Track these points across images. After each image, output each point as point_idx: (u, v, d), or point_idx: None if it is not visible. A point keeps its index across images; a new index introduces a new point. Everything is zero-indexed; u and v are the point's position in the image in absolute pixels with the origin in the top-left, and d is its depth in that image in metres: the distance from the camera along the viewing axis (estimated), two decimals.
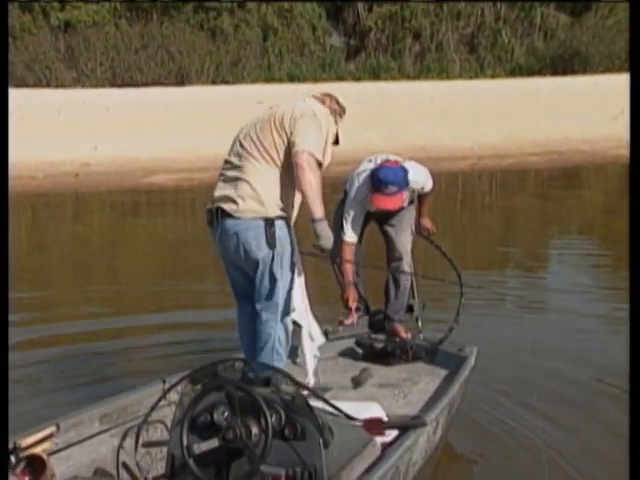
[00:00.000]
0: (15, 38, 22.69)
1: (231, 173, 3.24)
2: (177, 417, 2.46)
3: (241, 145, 3.26)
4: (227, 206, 3.19)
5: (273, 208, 3.18)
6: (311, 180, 3.06)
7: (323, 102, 3.41)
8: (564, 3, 26.22)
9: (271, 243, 3.15)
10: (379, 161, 3.98)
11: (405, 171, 3.87)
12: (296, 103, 3.35)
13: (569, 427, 3.70)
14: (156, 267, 8.02)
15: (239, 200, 3.17)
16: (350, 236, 3.94)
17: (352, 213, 3.93)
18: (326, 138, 3.29)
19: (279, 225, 3.18)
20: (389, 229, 4.13)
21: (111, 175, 13.48)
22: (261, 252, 3.17)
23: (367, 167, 3.98)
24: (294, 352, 3.56)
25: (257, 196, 3.16)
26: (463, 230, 9.62)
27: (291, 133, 3.16)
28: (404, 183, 3.86)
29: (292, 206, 3.27)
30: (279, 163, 3.18)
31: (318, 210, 3.07)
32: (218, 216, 3.22)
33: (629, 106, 2.67)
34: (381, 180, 3.81)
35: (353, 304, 3.89)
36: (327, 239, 3.11)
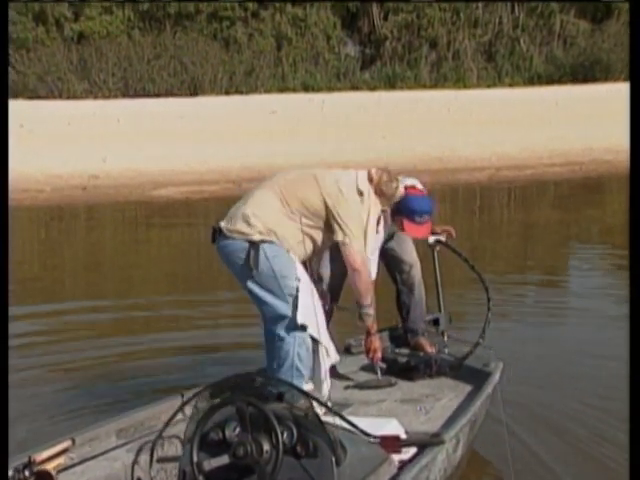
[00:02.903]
0: (28, 50, 22.65)
1: (246, 198, 3.36)
2: (188, 432, 2.43)
3: (270, 180, 3.37)
4: (223, 224, 3.30)
5: (261, 233, 3.23)
6: (367, 283, 3.33)
7: (371, 180, 3.38)
8: (585, 10, 25.75)
9: (254, 265, 3.19)
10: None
11: (432, 199, 3.88)
12: (344, 176, 3.35)
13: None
14: (166, 283, 7.76)
15: (233, 221, 3.28)
16: (375, 272, 3.79)
17: (374, 245, 3.74)
18: (366, 220, 3.32)
19: (266, 248, 3.21)
20: (390, 243, 4.05)
21: (119, 188, 13.24)
22: (248, 273, 3.23)
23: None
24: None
25: (248, 220, 3.24)
26: (481, 243, 9.29)
27: (333, 208, 3.24)
28: (433, 211, 3.88)
29: (305, 249, 3.33)
30: (298, 212, 3.24)
31: (368, 300, 3.38)
32: (216, 235, 3.32)
33: (629, 113, 2.67)
34: (416, 210, 3.76)
35: (378, 356, 3.74)
36: (372, 320, 3.47)
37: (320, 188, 3.26)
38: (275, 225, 3.24)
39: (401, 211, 3.74)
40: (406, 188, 3.78)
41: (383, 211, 3.46)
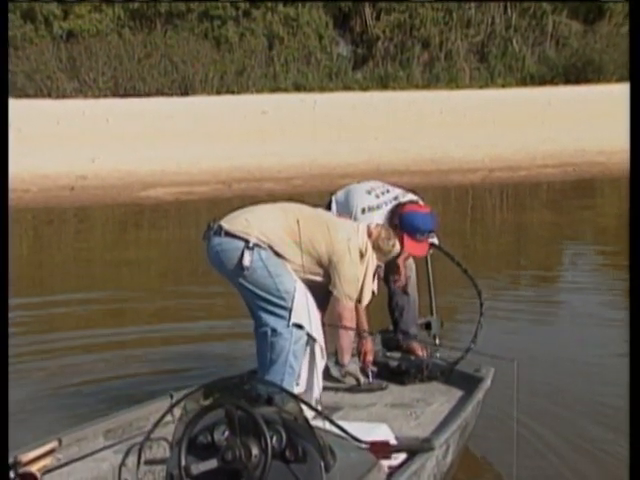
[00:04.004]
0: (16, 48, 22.39)
1: (252, 208, 3.42)
2: (177, 435, 2.38)
3: (283, 205, 3.45)
4: (222, 222, 3.32)
5: (259, 239, 3.26)
6: (350, 338, 3.47)
7: (370, 235, 3.47)
8: (577, 11, 25.74)
9: (248, 265, 3.22)
10: (381, 193, 3.79)
11: (435, 216, 3.85)
12: (353, 234, 3.41)
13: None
14: (154, 286, 7.61)
15: (233, 222, 3.32)
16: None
17: (375, 264, 3.64)
18: (365, 271, 3.43)
19: (261, 252, 3.25)
20: None
21: (108, 189, 13.05)
22: (239, 272, 3.24)
23: (373, 203, 3.75)
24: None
25: (250, 224, 3.29)
26: (473, 246, 9.20)
27: (337, 263, 3.34)
28: (435, 228, 3.85)
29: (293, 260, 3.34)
30: (304, 245, 3.30)
31: (348, 358, 3.57)
32: (210, 232, 3.34)
33: (629, 114, 2.63)
34: (419, 229, 3.71)
35: (370, 359, 3.72)
36: (357, 372, 3.61)
37: (332, 239, 3.34)
38: (277, 241, 3.28)
39: (403, 227, 3.67)
40: (409, 203, 3.75)
41: (378, 266, 3.53)
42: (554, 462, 3.47)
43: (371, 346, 3.74)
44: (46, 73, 22.21)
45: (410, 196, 3.84)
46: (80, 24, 23.68)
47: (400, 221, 3.67)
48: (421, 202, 3.84)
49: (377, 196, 3.78)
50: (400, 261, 3.83)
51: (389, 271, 3.93)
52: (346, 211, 3.78)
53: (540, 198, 13.32)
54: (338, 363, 3.58)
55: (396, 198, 3.79)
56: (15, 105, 17.90)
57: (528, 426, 3.72)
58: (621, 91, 19.29)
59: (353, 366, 3.60)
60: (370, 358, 3.72)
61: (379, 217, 3.72)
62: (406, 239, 3.66)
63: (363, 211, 3.73)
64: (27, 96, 20.94)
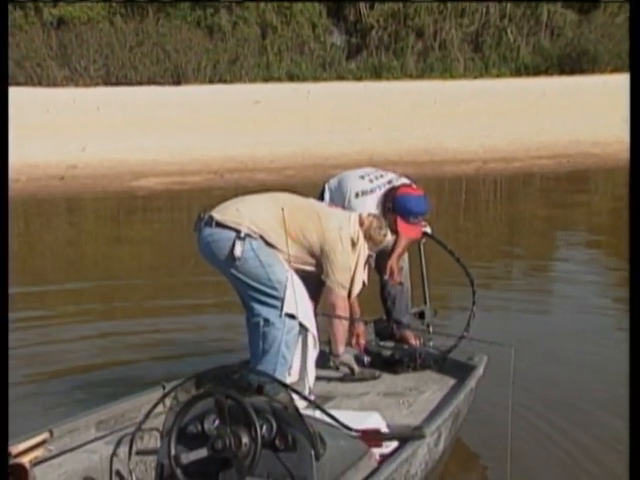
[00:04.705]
0: None
1: (243, 198, 3.40)
2: (167, 425, 2.40)
3: (274, 194, 3.44)
4: (213, 213, 3.29)
5: (250, 228, 3.24)
6: (344, 327, 3.44)
7: (362, 224, 3.45)
8: (572, 0, 25.64)
9: (240, 255, 3.20)
10: (375, 178, 3.76)
11: (428, 199, 3.84)
12: (345, 223, 3.40)
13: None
14: (144, 274, 7.51)
15: (224, 212, 3.30)
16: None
17: (367, 253, 3.60)
18: (357, 260, 3.41)
19: (252, 242, 3.23)
20: None
21: (98, 178, 12.93)
22: (231, 263, 3.23)
23: (367, 187, 3.73)
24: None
25: (241, 215, 3.27)
26: (467, 238, 9.15)
27: (329, 252, 3.33)
28: (429, 211, 3.85)
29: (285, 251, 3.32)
30: (294, 235, 3.28)
31: (342, 349, 3.52)
32: (201, 223, 3.30)
33: (629, 106, 2.60)
34: (412, 211, 3.71)
35: (362, 342, 3.73)
36: (352, 362, 3.58)
37: (323, 228, 3.33)
38: (268, 231, 3.26)
39: (396, 210, 3.67)
40: (403, 186, 3.73)
41: (369, 256, 3.52)
42: (550, 448, 3.47)
43: (363, 329, 3.75)
44: (36, 60, 21.97)
45: (404, 180, 3.83)
46: (71, 11, 23.41)
47: (393, 204, 3.67)
48: (414, 186, 3.83)
49: (371, 180, 3.77)
50: (394, 259, 3.78)
51: (383, 269, 3.90)
52: (340, 197, 3.76)
53: (534, 189, 13.28)
54: (332, 353, 3.57)
55: (390, 182, 3.78)
56: None
57: (522, 413, 3.70)
58: (616, 81, 19.28)
59: (347, 356, 3.59)
60: (362, 341, 3.72)
61: (372, 201, 3.71)
62: (399, 221, 3.66)
63: (357, 195, 3.72)
64: (17, 84, 20.69)
